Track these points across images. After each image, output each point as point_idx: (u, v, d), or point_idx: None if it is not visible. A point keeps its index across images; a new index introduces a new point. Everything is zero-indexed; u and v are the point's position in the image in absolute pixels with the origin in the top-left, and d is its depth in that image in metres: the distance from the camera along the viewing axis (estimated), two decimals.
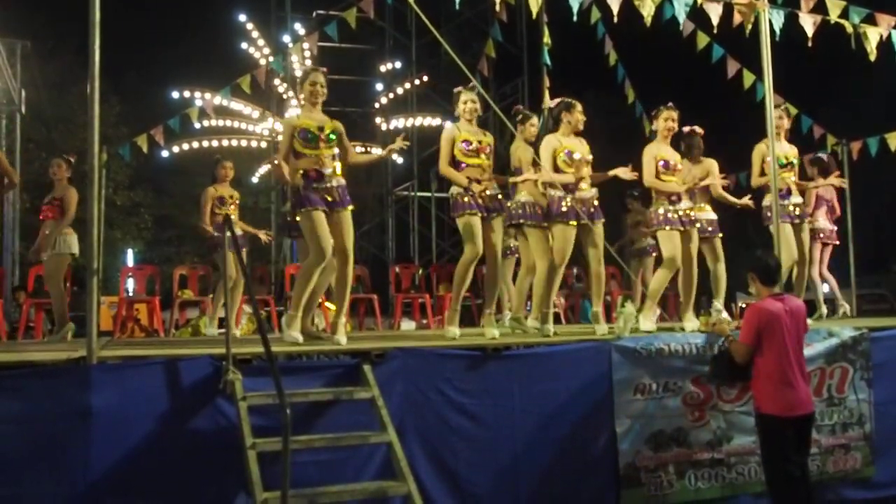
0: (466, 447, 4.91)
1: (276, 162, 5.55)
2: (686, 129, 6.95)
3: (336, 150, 5.57)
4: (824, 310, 7.93)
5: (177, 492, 4.26)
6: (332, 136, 5.50)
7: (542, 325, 6.06)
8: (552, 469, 5.11)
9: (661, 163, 6.36)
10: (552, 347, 5.38)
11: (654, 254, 8.98)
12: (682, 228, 6.30)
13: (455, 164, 5.85)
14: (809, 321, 6.91)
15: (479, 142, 5.88)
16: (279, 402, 3.69)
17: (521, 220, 6.35)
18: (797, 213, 7.16)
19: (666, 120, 6.42)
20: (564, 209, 6.00)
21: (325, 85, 5.54)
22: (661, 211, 6.32)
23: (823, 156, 8.34)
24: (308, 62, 13.52)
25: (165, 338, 8.98)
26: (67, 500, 4.11)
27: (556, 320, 6.88)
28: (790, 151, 7.16)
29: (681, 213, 6.33)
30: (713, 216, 7.01)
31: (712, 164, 6.98)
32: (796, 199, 7.18)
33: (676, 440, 5.42)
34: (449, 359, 5.02)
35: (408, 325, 10.43)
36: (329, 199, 5.39)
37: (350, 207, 5.51)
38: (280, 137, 6.07)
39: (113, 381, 4.28)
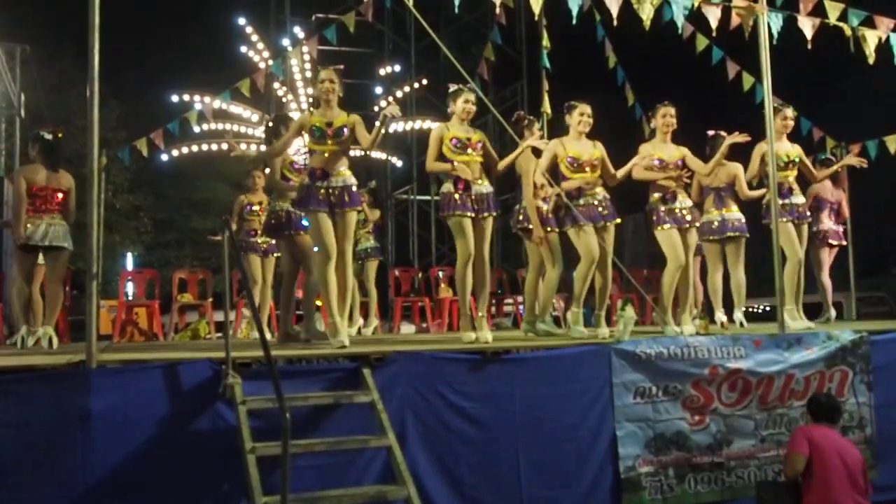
0: (468, 451, 4.90)
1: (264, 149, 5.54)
2: (710, 132, 7.05)
3: (344, 146, 5.51)
4: (833, 312, 7.92)
5: (176, 496, 4.25)
6: (341, 132, 5.45)
7: (573, 326, 6.16)
8: (553, 473, 5.10)
9: (656, 161, 6.41)
10: (552, 351, 5.37)
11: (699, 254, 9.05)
12: (679, 226, 6.38)
13: (444, 161, 5.90)
14: (813, 324, 6.96)
15: (468, 139, 5.89)
16: (279, 405, 3.68)
17: (523, 226, 6.42)
18: (798, 212, 7.15)
19: (664, 116, 6.48)
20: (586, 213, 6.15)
21: (336, 81, 5.53)
22: (660, 209, 6.40)
23: (832, 157, 8.37)
24: (307, 65, 13.55)
25: (165, 341, 8.98)
26: None
27: (556, 323, 6.87)
28: (791, 150, 7.16)
29: (677, 211, 6.37)
30: (740, 216, 7.14)
31: (737, 168, 7.08)
32: (797, 198, 7.17)
33: (676, 444, 5.41)
34: (448, 362, 5.00)
35: (407, 328, 10.44)
36: (332, 199, 5.36)
37: (357, 209, 5.50)
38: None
39: (112, 384, 4.27)
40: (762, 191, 7.02)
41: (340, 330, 5.25)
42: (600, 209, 6.15)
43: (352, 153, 5.84)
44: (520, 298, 11.61)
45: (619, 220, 6.25)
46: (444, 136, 5.87)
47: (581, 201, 6.12)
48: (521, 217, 6.48)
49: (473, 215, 5.82)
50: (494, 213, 5.93)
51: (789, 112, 7.08)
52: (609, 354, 5.31)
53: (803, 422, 5.37)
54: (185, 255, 22.86)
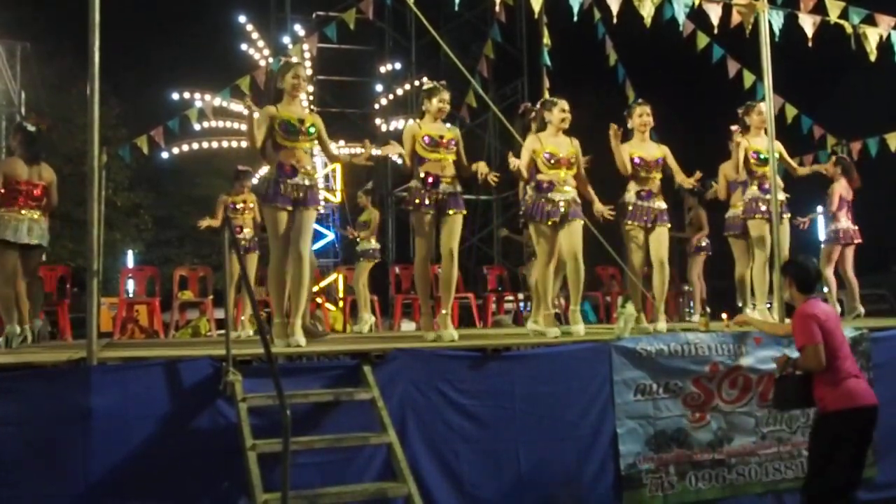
0: (468, 448, 4.90)
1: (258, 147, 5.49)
2: (734, 127, 7.04)
3: (314, 145, 5.60)
4: (838, 308, 7.90)
5: (177, 493, 4.25)
6: (312, 130, 5.49)
7: (545, 328, 5.95)
8: (554, 470, 5.10)
9: (637, 160, 6.40)
10: (552, 348, 5.37)
11: (707, 252, 9.04)
12: (648, 225, 6.38)
13: (417, 159, 5.87)
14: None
15: (441, 136, 5.88)
16: (279, 403, 3.68)
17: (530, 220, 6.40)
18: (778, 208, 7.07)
19: (640, 115, 6.47)
20: (546, 209, 5.99)
21: (307, 79, 5.58)
22: (630, 205, 6.42)
23: (846, 156, 8.35)
24: (308, 63, 13.53)
25: (165, 339, 8.98)
26: (67, 502, 4.10)
27: (557, 321, 6.85)
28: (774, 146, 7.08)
29: (646, 210, 6.37)
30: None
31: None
32: (778, 195, 7.07)
33: (677, 441, 5.41)
34: (449, 360, 5.01)
35: (408, 325, 10.44)
36: (297, 196, 5.36)
37: (317, 208, 5.50)
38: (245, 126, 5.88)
39: (113, 382, 4.28)
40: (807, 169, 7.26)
41: (296, 331, 5.23)
42: (562, 207, 5.96)
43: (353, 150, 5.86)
44: (520, 296, 11.62)
45: (581, 221, 6.00)
46: (417, 135, 5.86)
47: (547, 197, 5.98)
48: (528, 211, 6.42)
49: (434, 212, 5.81)
50: (458, 212, 5.86)
51: (763, 107, 7.01)
52: (609, 351, 5.31)
53: (786, 290, 4.92)
54: (186, 252, 22.87)
